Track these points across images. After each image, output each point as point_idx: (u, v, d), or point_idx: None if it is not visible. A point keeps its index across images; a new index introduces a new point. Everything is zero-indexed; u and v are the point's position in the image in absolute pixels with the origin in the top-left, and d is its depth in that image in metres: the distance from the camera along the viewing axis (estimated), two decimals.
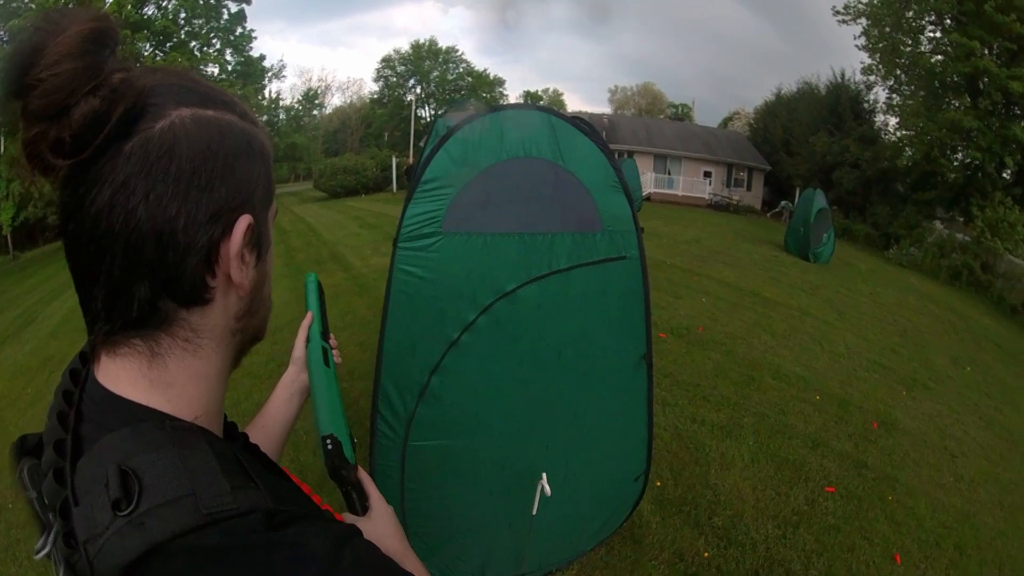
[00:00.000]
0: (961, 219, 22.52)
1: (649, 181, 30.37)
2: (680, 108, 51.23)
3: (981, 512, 5.39)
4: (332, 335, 1.08)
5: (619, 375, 3.01)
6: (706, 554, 3.90)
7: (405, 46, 49.25)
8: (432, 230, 2.38)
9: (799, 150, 29.39)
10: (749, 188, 33.54)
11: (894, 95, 26.21)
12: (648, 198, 28.40)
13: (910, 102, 24.74)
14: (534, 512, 2.67)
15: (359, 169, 31.99)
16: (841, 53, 39.56)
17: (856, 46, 26.01)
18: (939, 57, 23.08)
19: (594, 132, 2.62)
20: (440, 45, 48.56)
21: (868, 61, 26.49)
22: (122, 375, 0.60)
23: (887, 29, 24.61)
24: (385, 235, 12.44)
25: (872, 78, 27.37)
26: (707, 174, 32.82)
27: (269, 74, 31.98)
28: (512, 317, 2.53)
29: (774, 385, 6.68)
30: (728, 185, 33.13)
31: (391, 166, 31.83)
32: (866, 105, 28.67)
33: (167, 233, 0.56)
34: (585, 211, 2.60)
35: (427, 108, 48.13)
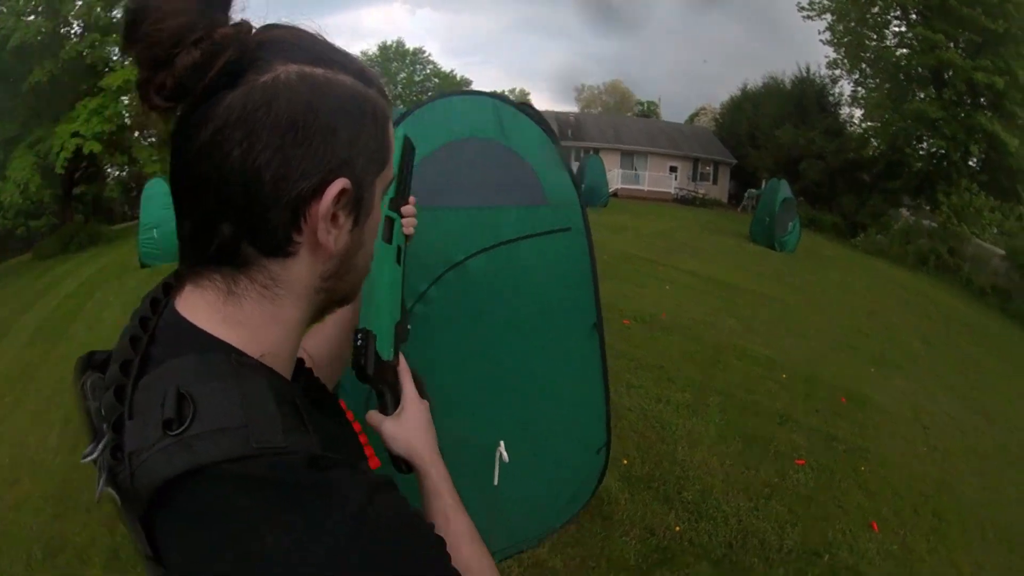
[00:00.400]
0: (927, 207, 23.28)
1: (616, 177, 31.05)
2: (647, 105, 51.60)
3: (958, 482, 5.41)
4: (412, 197, 1.05)
5: (572, 345, 3.00)
6: (677, 528, 3.86)
7: (373, 48, 49.00)
8: None
9: (765, 143, 30.15)
10: (715, 182, 34.39)
11: (859, 88, 27.62)
12: (615, 194, 28.82)
13: (875, 94, 25.91)
14: (495, 482, 2.63)
15: None
16: (806, 48, 40.50)
17: (821, 41, 27.31)
18: (904, 50, 24.25)
19: (538, 116, 2.68)
20: (407, 47, 49.14)
21: (833, 55, 27.74)
22: (200, 306, 0.63)
23: (852, 24, 25.64)
24: None
25: (837, 72, 28.40)
26: (673, 169, 33.65)
27: None
28: (463, 288, 2.53)
29: (739, 366, 6.67)
30: (694, 179, 33.96)
31: None
32: (831, 98, 29.65)
33: (254, 182, 0.58)
34: (530, 186, 2.66)
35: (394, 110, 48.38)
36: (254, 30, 0.60)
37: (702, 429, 5.10)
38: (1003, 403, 8.44)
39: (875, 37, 25.55)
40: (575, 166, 23.40)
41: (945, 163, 23.20)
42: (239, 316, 0.63)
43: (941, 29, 21.44)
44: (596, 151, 29.95)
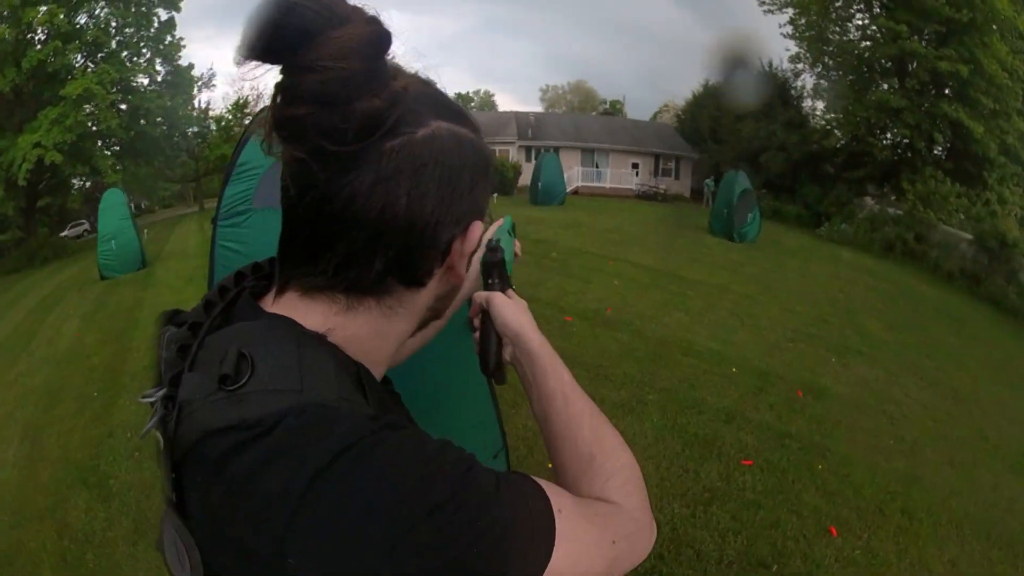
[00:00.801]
0: (892, 195, 23.50)
1: (577, 175, 31.89)
2: (612, 104, 52.35)
3: (929, 473, 5.14)
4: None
5: (453, 342, 2.75)
6: None
7: None
8: (245, 207, 2.62)
9: (726, 137, 30.45)
10: (677, 177, 34.62)
11: (822, 80, 28.01)
12: (576, 192, 29.70)
13: (837, 86, 26.22)
14: None
15: None
16: (767, 42, 41.13)
17: (783, 35, 27.73)
18: (867, 43, 24.70)
19: None
20: None
21: (795, 49, 28.08)
22: (299, 310, 0.65)
23: (814, 17, 26.18)
24: None
25: (800, 66, 28.71)
26: (635, 165, 34.22)
27: (199, 83, 31.02)
28: None
29: (684, 361, 6.34)
30: (656, 175, 34.31)
31: None
32: (793, 91, 29.86)
33: (419, 227, 0.62)
34: None
35: None
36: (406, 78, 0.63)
37: (637, 429, 4.77)
38: (974, 385, 8.27)
39: (838, 30, 25.79)
40: (532, 165, 23.74)
41: (910, 152, 23.47)
42: (345, 324, 0.65)
43: (905, 20, 21.68)
44: (556, 150, 30.50)
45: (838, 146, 25.74)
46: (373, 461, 0.52)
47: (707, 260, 12.70)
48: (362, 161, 0.59)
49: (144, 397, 0.60)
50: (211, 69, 34.30)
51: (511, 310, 0.92)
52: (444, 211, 0.63)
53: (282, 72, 0.57)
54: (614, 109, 49.91)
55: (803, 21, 26.55)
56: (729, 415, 5.19)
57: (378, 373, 0.71)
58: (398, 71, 0.63)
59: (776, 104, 28.15)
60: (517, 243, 1.24)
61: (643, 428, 4.79)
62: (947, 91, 22.22)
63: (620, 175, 33.73)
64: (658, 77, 73.42)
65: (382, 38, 0.59)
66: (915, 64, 22.30)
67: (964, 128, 21.06)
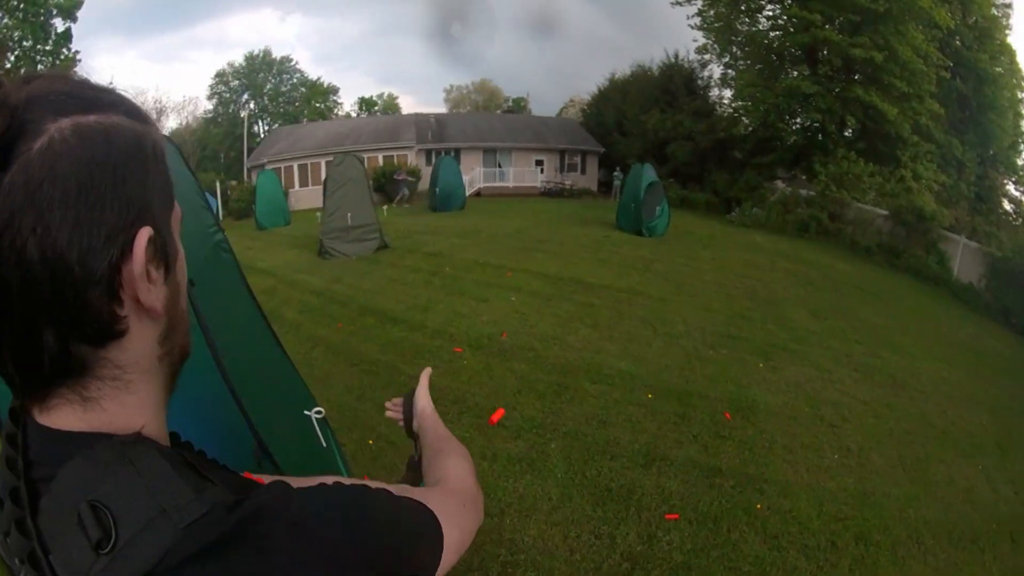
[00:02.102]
0: (804, 177, 25.03)
1: (479, 176, 32.80)
2: (516, 102, 54.20)
3: (881, 483, 5.00)
4: None
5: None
6: None
7: (240, 59, 49.46)
8: None
9: (632, 130, 32.00)
10: (583, 172, 36.29)
11: (729, 70, 30.19)
12: (478, 193, 30.42)
13: (746, 75, 28.24)
14: (323, 444, 2.81)
15: None
16: (675, 34, 43.01)
17: (690, 26, 29.66)
18: (777, 32, 27.00)
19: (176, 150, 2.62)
20: (275, 56, 49.94)
21: (703, 40, 30.20)
22: (58, 422, 0.61)
23: (723, 9, 28.12)
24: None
25: (707, 56, 30.89)
26: (539, 162, 35.39)
27: None
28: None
29: (593, 391, 5.86)
30: (561, 171, 35.75)
31: (215, 192, 29.62)
32: (700, 81, 32.04)
33: (61, 268, 0.54)
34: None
35: (261, 124, 48.88)
36: (14, 90, 0.55)
37: (539, 490, 4.27)
38: (909, 364, 8.28)
39: (747, 21, 27.96)
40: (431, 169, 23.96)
41: (820, 135, 25.58)
42: (104, 418, 0.61)
43: (818, 9, 23.54)
44: (458, 151, 32.13)
45: (746, 132, 27.46)
46: (309, 530, 0.57)
47: (615, 260, 12.49)
48: None
49: None
50: (111, 82, 33.50)
51: (425, 398, 1.29)
52: (84, 233, 0.54)
53: None
54: (518, 107, 52.20)
55: (712, 12, 28.68)
56: (647, 457, 4.74)
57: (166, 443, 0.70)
58: (5, 83, 0.55)
59: (682, 94, 30.70)
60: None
61: (545, 488, 4.26)
62: (858, 76, 24.30)
63: (524, 173, 34.63)
64: (563, 73, 75.82)
65: None
66: (826, 51, 24.43)
67: (877, 110, 23.03)
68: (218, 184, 31.20)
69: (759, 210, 22.61)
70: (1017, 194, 25.26)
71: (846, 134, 25.39)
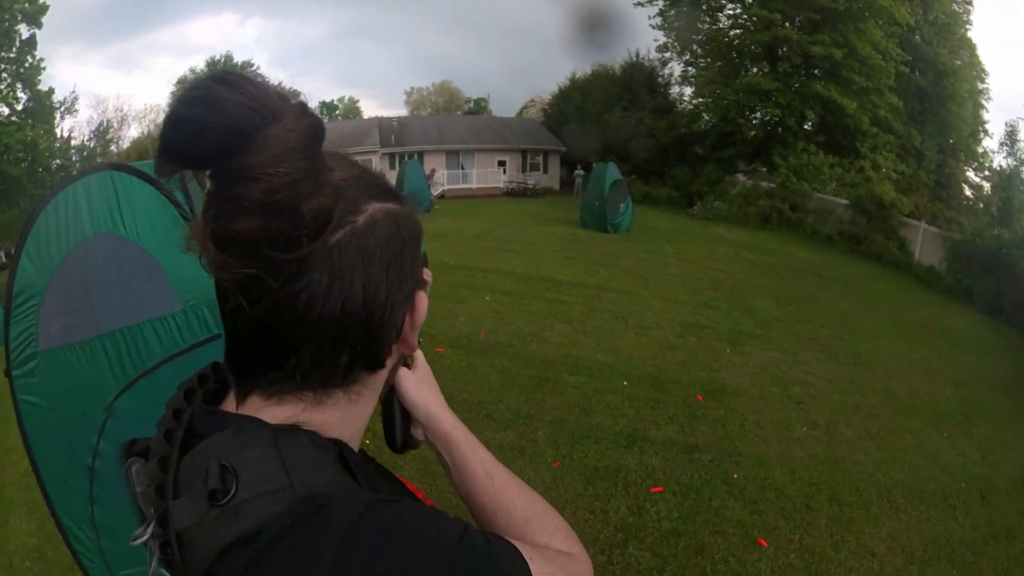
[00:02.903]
0: (764, 169, 26.01)
1: (442, 178, 33.12)
2: (477, 103, 54.17)
3: (849, 452, 5.37)
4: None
5: None
6: None
7: (201, 64, 47.02)
8: (32, 351, 2.49)
9: (593, 128, 32.12)
10: (546, 171, 36.67)
11: (690, 68, 31.50)
12: (443, 195, 30.68)
13: (706, 72, 29.58)
14: None
15: None
16: (636, 33, 43.32)
17: (651, 25, 30.98)
18: (737, 31, 28.43)
19: (152, 179, 2.55)
20: (236, 60, 48.02)
21: (664, 39, 31.38)
22: (266, 412, 0.68)
23: (684, 9, 29.50)
24: None
25: (667, 55, 31.97)
26: (501, 163, 35.86)
27: (61, 109, 29.56)
28: (125, 436, 2.22)
29: (572, 382, 6.21)
30: (524, 171, 36.16)
31: None
32: (660, 80, 32.81)
33: (377, 316, 0.68)
34: (157, 287, 2.53)
35: None
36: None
37: (531, 475, 4.57)
38: (873, 345, 8.76)
39: (708, 20, 29.18)
40: (396, 172, 24.09)
41: (780, 128, 26.54)
42: (313, 417, 0.69)
43: (778, 9, 24.84)
44: (421, 154, 32.62)
45: (707, 128, 28.50)
46: (375, 541, 0.59)
47: (582, 257, 12.84)
48: (314, 262, 0.62)
49: (134, 539, 0.62)
50: (73, 92, 32.55)
51: (415, 390, 0.92)
52: (396, 293, 0.68)
53: (214, 179, 0.58)
54: (479, 108, 51.93)
55: (672, 12, 30.14)
56: (629, 438, 5.10)
57: (353, 448, 0.75)
58: (332, 162, 0.65)
59: (643, 92, 31.56)
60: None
61: (538, 471, 4.60)
62: (817, 72, 25.79)
63: (487, 174, 35.18)
64: (523, 72, 75.53)
65: (318, 131, 0.61)
66: (786, 49, 25.47)
67: (836, 105, 24.38)
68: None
69: (721, 203, 23.42)
70: (977, 180, 26.23)
71: (806, 127, 26.43)
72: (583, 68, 37.92)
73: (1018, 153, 20.67)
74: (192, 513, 0.59)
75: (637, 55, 33.31)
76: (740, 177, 26.29)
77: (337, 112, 54.55)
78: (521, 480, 0.91)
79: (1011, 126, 21.09)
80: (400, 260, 0.69)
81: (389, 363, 0.75)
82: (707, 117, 29.05)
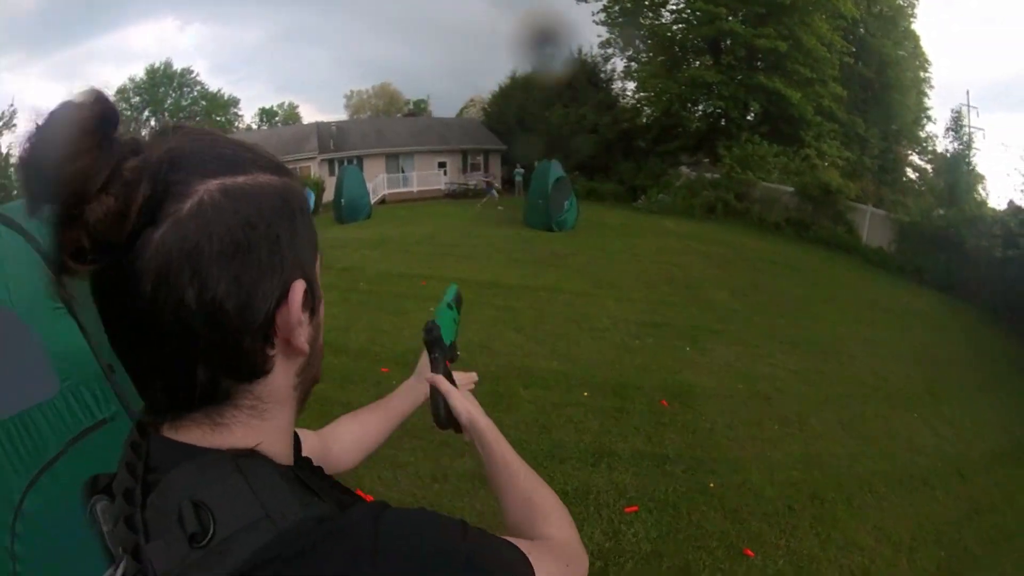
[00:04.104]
0: (707, 160, 26.69)
1: (383, 183, 32.98)
2: (417, 104, 54.60)
3: (826, 445, 5.36)
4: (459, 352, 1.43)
5: None
6: None
7: (141, 72, 47.81)
8: None
9: (535, 126, 32.44)
10: (487, 171, 36.99)
11: (632, 63, 32.50)
12: (383, 200, 30.80)
13: (648, 67, 30.58)
14: None
15: None
16: (578, 30, 43.96)
17: (595, 21, 31.83)
18: (681, 25, 29.30)
19: (19, 226, 2.25)
20: (175, 67, 48.73)
21: (607, 35, 32.25)
22: (183, 437, 0.66)
23: (628, 5, 30.32)
24: None
25: (610, 50, 32.83)
26: (442, 164, 36.19)
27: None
28: (39, 538, 2.23)
29: (528, 396, 5.95)
30: (465, 171, 36.61)
31: None
32: (603, 75, 33.54)
33: (219, 319, 0.60)
34: (32, 365, 2.25)
35: None
36: (152, 148, 0.60)
37: (495, 506, 4.25)
38: (832, 329, 8.80)
39: (651, 15, 30.17)
40: (335, 179, 24.28)
41: (724, 120, 27.93)
42: (228, 439, 0.66)
43: (723, 3, 25.85)
44: (360, 159, 32.89)
45: (649, 122, 29.54)
46: (389, 553, 0.60)
47: (528, 259, 12.66)
48: (137, 267, 0.57)
49: None
50: (12, 105, 32.09)
51: (460, 402, 1.15)
52: (242, 289, 0.61)
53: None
54: (419, 109, 52.17)
55: (616, 8, 30.93)
56: (595, 455, 4.89)
57: (285, 460, 0.75)
58: (139, 144, 0.59)
59: (586, 88, 32.16)
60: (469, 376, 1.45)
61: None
62: (760, 63, 26.77)
63: (427, 176, 35.24)
64: (463, 72, 76.27)
65: (102, 117, 0.56)
66: (730, 42, 26.54)
67: (781, 96, 25.31)
68: None
69: (665, 196, 23.77)
70: (921, 163, 28.11)
71: (748, 118, 27.52)
72: (523, 67, 38.08)
73: (963, 137, 22.08)
74: (171, 556, 0.57)
75: (580, 51, 33.67)
76: (684, 169, 26.71)
77: (277, 119, 54.29)
78: (531, 469, 1.04)
79: (956, 112, 22.59)
80: (243, 247, 0.61)
81: (281, 367, 0.68)
82: (649, 111, 30.04)
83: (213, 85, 54.40)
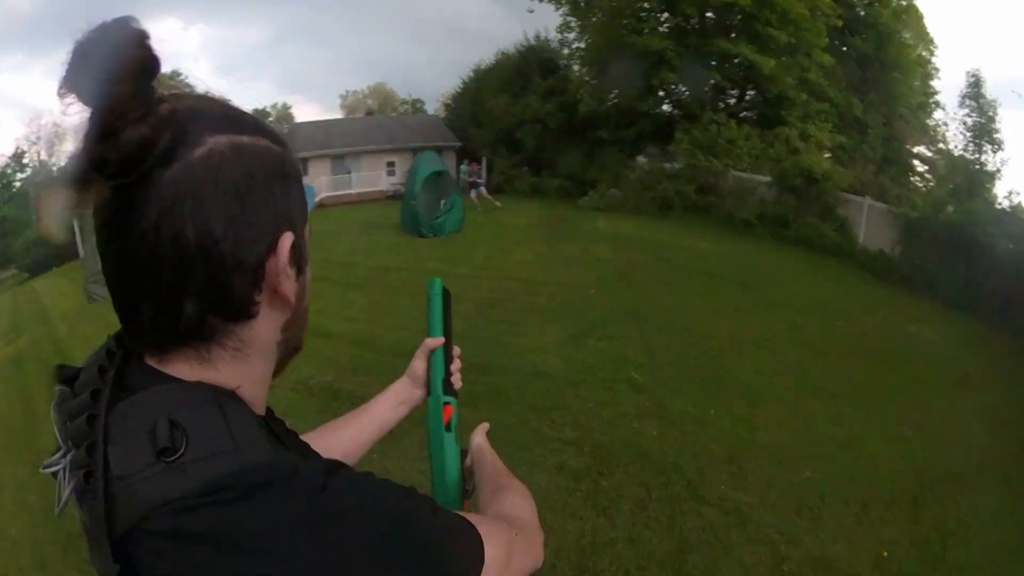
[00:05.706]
0: (670, 148, 23.34)
1: (325, 185, 32.81)
2: (414, 103, 55.95)
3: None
4: (456, 348, 1.32)
5: None
6: None
7: None
8: None
9: (484, 119, 32.55)
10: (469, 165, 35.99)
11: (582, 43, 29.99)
12: (321, 204, 30.55)
13: (591, 41, 28.22)
14: None
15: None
16: (538, 17, 42.65)
17: (552, 4, 29.29)
18: None
19: None
20: (164, 71, 51.84)
21: (565, 18, 29.89)
22: (170, 370, 0.69)
23: None
24: None
25: (570, 35, 30.42)
26: (391, 164, 35.89)
27: None
28: None
29: None
30: None
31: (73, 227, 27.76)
32: (563, 62, 31.79)
33: (214, 254, 0.65)
34: None
35: None
36: (176, 101, 0.67)
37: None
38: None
39: None
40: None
41: (689, 100, 24.55)
42: (215, 376, 0.69)
43: None
44: (304, 160, 32.51)
45: (600, 108, 26.48)
46: (344, 507, 0.61)
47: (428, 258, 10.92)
48: (145, 198, 0.62)
49: (46, 467, 0.66)
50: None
51: (477, 438, 1.25)
52: (238, 230, 0.66)
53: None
54: (415, 108, 54.30)
55: None
56: None
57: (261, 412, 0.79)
58: (168, 96, 0.65)
59: (536, 76, 30.70)
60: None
61: None
62: (714, 22, 23.89)
63: (371, 177, 35.28)
64: (459, 69, 79.21)
65: (151, 60, 0.61)
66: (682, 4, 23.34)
67: (750, 63, 22.24)
68: (75, 220, 28.83)
69: (616, 191, 21.13)
70: (930, 154, 23.90)
71: (723, 98, 24.57)
72: (488, 58, 37.47)
73: (983, 107, 17.32)
74: (130, 462, 0.59)
75: (536, 37, 32.42)
76: (641, 160, 23.96)
77: (270, 119, 54.20)
78: (513, 476, 1.11)
79: (974, 76, 17.75)
80: (244, 194, 0.66)
81: (267, 315, 0.71)
82: (588, 99, 26.93)
83: (217, 87, 58.25)
